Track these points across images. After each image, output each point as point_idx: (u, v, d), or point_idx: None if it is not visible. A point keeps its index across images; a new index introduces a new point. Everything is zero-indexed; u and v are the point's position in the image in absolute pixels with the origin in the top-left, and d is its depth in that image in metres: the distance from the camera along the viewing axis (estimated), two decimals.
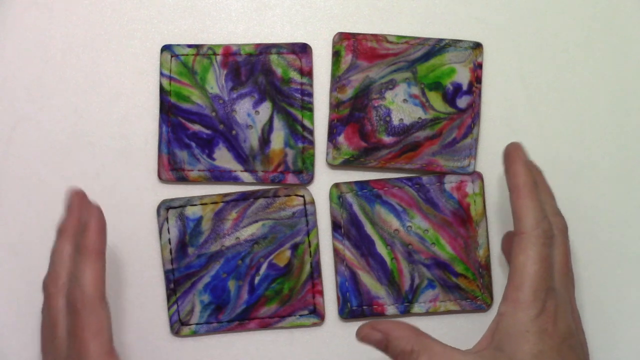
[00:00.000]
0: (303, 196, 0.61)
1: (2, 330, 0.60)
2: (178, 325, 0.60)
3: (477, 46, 0.62)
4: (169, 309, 0.60)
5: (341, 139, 0.61)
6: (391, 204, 0.61)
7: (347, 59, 0.62)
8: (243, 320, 0.60)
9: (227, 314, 0.60)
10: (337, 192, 0.61)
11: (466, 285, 0.61)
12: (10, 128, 0.62)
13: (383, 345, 0.53)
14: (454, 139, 0.61)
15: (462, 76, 0.61)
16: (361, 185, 0.61)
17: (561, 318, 0.52)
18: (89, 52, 0.62)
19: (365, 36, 0.62)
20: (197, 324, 0.60)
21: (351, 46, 0.62)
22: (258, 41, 0.62)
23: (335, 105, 0.61)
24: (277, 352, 0.61)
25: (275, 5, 0.63)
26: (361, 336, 0.53)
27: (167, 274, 0.60)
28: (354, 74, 0.62)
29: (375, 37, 0.62)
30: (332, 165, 0.62)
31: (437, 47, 0.62)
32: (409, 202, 0.61)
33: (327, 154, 0.61)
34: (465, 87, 0.61)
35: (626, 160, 0.62)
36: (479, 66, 0.62)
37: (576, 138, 0.62)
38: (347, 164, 0.61)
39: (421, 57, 0.61)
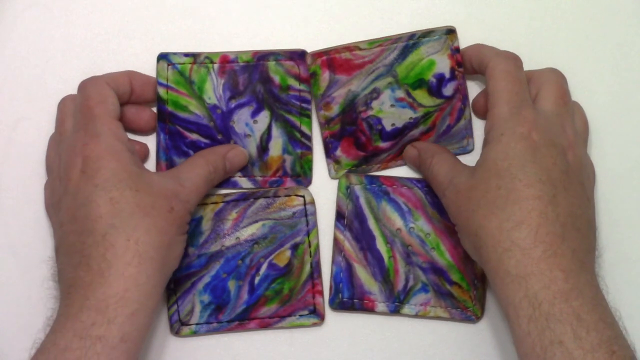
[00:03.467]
0: (303, 196, 0.61)
1: (2, 330, 0.60)
2: (178, 325, 0.60)
3: (451, 32, 0.61)
4: (169, 309, 0.60)
5: (339, 152, 0.61)
6: (398, 202, 0.61)
7: (324, 76, 0.61)
8: (243, 320, 0.60)
9: (227, 314, 0.60)
10: (346, 183, 0.61)
11: (459, 295, 0.60)
12: (10, 128, 0.62)
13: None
14: (449, 126, 0.61)
15: (443, 65, 0.61)
16: (371, 179, 0.61)
17: (543, 130, 0.54)
18: (89, 52, 0.62)
19: (337, 49, 0.61)
20: (197, 324, 0.60)
21: (326, 63, 0.61)
22: (255, 49, 0.62)
23: (325, 123, 0.61)
24: (277, 352, 0.60)
25: (272, 13, 0.63)
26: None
27: None
28: (336, 89, 0.61)
29: (347, 48, 0.61)
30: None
31: (411, 43, 0.61)
32: (416, 204, 0.61)
33: (329, 170, 0.61)
34: (448, 75, 0.61)
35: (626, 160, 0.62)
36: (457, 50, 0.61)
37: None
38: (352, 172, 0.61)
39: (397, 57, 0.61)
